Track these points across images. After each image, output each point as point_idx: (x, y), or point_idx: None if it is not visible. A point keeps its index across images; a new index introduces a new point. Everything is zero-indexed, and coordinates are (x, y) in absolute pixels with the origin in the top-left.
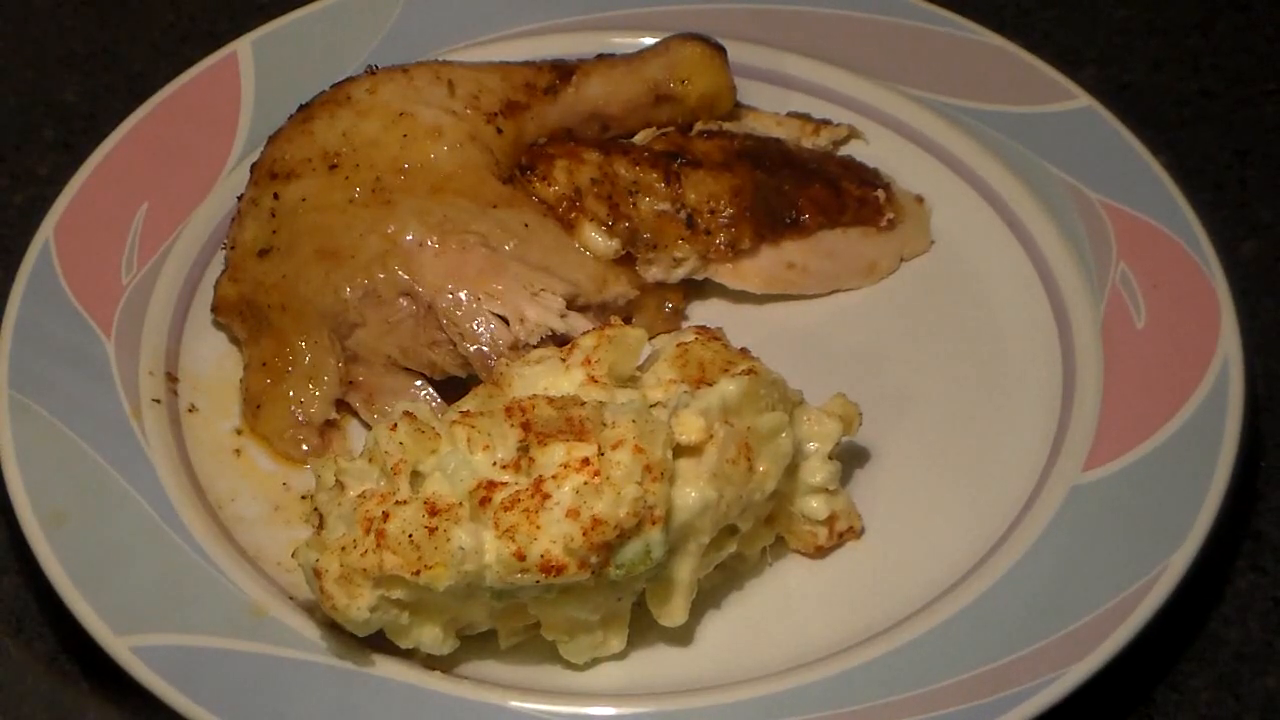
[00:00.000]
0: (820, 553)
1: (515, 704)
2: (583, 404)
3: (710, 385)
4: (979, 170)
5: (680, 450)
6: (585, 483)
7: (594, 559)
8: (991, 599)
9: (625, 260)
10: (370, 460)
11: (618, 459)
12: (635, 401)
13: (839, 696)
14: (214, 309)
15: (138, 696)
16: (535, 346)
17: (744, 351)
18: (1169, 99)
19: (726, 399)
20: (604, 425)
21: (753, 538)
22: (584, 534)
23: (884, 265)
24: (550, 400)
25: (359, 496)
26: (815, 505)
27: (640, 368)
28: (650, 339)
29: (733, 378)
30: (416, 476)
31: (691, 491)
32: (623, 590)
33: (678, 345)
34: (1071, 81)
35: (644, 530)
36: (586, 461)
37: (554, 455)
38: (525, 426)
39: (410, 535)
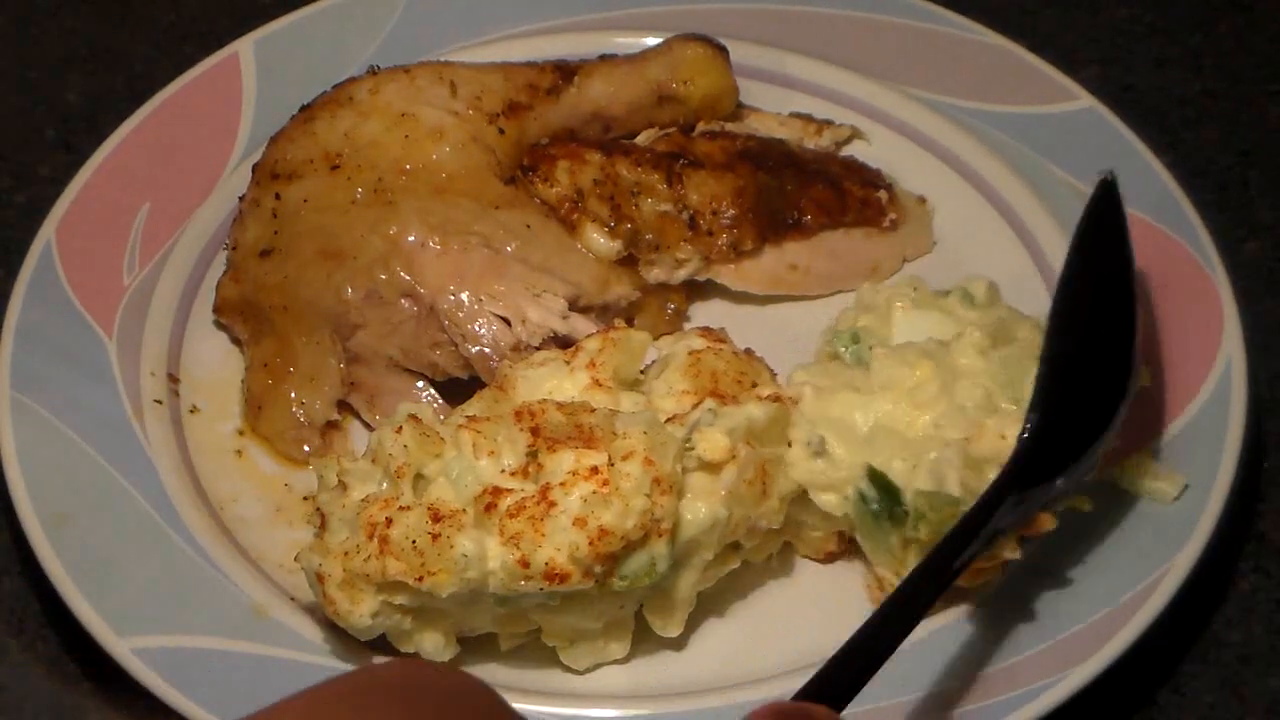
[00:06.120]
0: (830, 558)
1: (516, 705)
2: (593, 411)
3: (722, 397)
4: (981, 171)
5: (700, 464)
6: (594, 491)
7: (598, 569)
8: (995, 601)
9: (627, 261)
10: (373, 461)
11: (628, 470)
12: (647, 412)
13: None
14: (215, 309)
15: (139, 698)
16: (537, 348)
17: (748, 352)
18: (1171, 99)
19: (752, 422)
20: (615, 435)
21: (760, 547)
22: (590, 544)
23: (886, 266)
24: (560, 406)
25: (362, 501)
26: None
27: (644, 370)
28: (654, 340)
29: (760, 403)
30: (420, 480)
31: (702, 507)
32: (626, 599)
33: (690, 354)
34: (1074, 82)
35: (650, 543)
36: (595, 470)
37: (562, 462)
38: (535, 431)
39: (414, 541)
